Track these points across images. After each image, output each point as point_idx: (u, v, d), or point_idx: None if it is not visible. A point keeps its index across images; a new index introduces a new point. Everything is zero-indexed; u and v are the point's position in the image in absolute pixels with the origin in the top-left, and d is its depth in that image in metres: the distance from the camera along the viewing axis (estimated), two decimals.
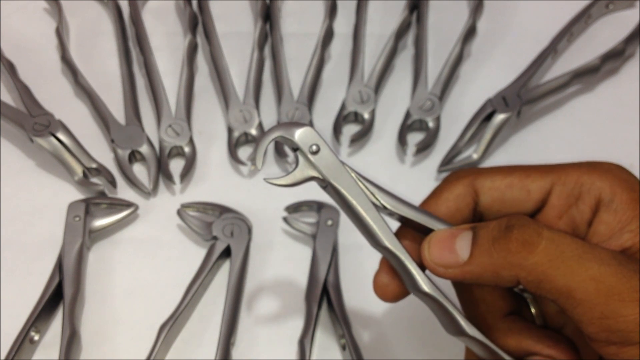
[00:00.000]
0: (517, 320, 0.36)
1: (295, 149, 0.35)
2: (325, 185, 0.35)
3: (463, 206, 0.36)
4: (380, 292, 0.37)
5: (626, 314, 0.30)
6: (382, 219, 0.35)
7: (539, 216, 0.36)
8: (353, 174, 0.35)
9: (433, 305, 0.35)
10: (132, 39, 0.68)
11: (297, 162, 0.35)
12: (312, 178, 0.35)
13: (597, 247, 0.32)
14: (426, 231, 0.36)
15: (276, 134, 0.35)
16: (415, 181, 0.60)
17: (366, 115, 0.62)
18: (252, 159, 0.36)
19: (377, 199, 0.36)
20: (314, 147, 0.35)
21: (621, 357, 0.31)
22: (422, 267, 0.35)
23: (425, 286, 0.34)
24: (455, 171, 0.38)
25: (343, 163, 0.35)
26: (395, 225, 0.37)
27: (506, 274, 0.32)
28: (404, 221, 0.37)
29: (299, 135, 0.35)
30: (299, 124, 0.35)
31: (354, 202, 0.35)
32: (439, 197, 0.37)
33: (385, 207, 0.36)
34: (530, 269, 0.31)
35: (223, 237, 0.55)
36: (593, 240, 0.35)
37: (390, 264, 0.36)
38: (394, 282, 0.36)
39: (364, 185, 0.35)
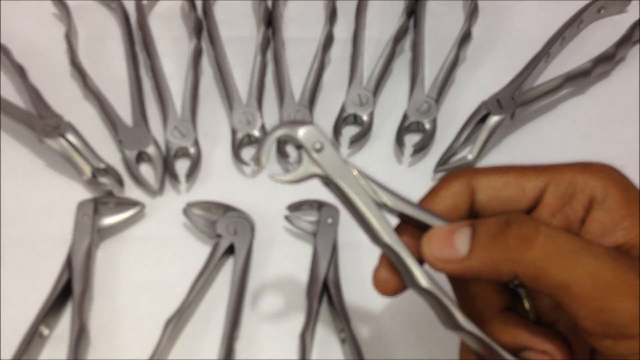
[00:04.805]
0: (512, 315, 0.36)
1: (299, 146, 0.35)
2: (328, 182, 0.35)
3: (460, 204, 0.36)
4: (379, 286, 0.37)
5: (622, 308, 0.30)
6: (382, 216, 0.35)
7: (534, 214, 0.36)
8: (355, 172, 0.35)
9: (431, 301, 0.35)
10: (139, 43, 0.68)
11: (300, 160, 0.35)
12: (315, 175, 0.35)
13: (593, 243, 0.32)
14: (425, 228, 0.35)
15: (280, 132, 0.35)
16: (412, 181, 0.60)
17: (365, 117, 0.62)
18: (257, 157, 0.36)
19: (378, 196, 0.36)
20: (318, 145, 0.35)
21: (617, 350, 0.31)
22: (421, 263, 0.35)
23: (423, 281, 0.34)
24: (453, 170, 0.37)
25: (346, 161, 0.35)
26: (395, 222, 0.37)
27: (504, 268, 0.32)
28: (404, 218, 0.36)
29: (303, 133, 0.35)
30: (303, 123, 0.35)
31: (355, 199, 0.35)
32: (437, 195, 0.37)
33: (385, 205, 0.36)
34: (529, 264, 0.32)
35: (227, 235, 0.55)
36: (586, 238, 0.34)
37: (389, 260, 0.36)
38: (393, 278, 0.36)
39: (366, 182, 0.35)
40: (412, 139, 0.62)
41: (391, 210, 0.36)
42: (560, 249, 0.31)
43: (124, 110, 0.63)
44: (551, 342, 0.34)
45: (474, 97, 0.63)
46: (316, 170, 0.35)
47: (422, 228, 0.36)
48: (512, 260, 0.32)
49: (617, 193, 0.34)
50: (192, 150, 0.61)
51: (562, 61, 0.67)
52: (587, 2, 0.69)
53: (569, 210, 0.35)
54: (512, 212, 0.35)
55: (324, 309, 0.53)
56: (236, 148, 0.61)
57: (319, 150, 0.35)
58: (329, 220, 0.56)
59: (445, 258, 0.34)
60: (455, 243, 0.34)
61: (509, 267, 0.32)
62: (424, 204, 0.37)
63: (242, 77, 0.65)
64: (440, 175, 0.60)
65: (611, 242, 0.34)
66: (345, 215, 0.53)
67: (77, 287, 0.52)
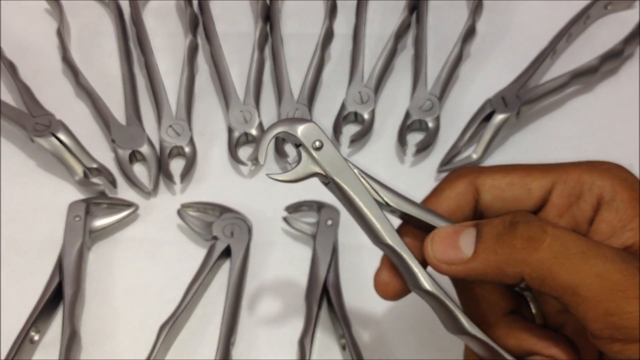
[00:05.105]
0: (518, 319, 0.36)
1: (298, 145, 0.35)
2: (328, 181, 0.35)
3: (464, 204, 0.36)
4: (381, 290, 0.37)
5: (631, 311, 0.30)
6: (384, 216, 0.35)
7: (540, 214, 0.36)
8: (356, 171, 0.35)
9: (434, 304, 0.35)
10: (132, 39, 0.68)
11: (299, 158, 0.35)
12: (314, 174, 0.35)
13: (601, 244, 0.32)
14: (428, 229, 0.35)
15: (279, 130, 0.34)
16: (415, 181, 0.60)
17: (366, 116, 0.62)
18: (254, 156, 0.35)
19: (379, 195, 0.35)
20: (317, 143, 0.34)
21: (625, 354, 0.30)
22: (424, 264, 0.35)
23: (427, 284, 0.34)
24: (457, 169, 0.38)
25: (346, 159, 0.35)
26: (397, 222, 0.36)
27: (510, 270, 0.32)
28: (406, 218, 0.36)
29: (302, 130, 0.34)
30: (301, 120, 0.35)
31: (356, 199, 0.35)
32: (440, 194, 0.37)
33: (387, 204, 0.35)
34: (535, 266, 0.31)
35: (223, 237, 0.55)
36: (594, 239, 0.34)
37: (391, 262, 0.36)
38: (395, 280, 0.36)
39: (367, 182, 0.35)
40: (414, 138, 0.62)
41: (393, 211, 0.36)
42: (567, 250, 0.31)
43: (118, 109, 0.62)
44: (558, 347, 0.34)
45: (478, 94, 0.62)
46: (316, 169, 0.35)
47: (425, 229, 0.36)
48: (518, 261, 0.32)
49: (625, 193, 0.34)
50: (187, 149, 0.60)
51: (568, 58, 0.67)
52: None
53: (576, 210, 0.35)
54: (518, 211, 0.34)
55: (324, 313, 0.53)
56: (233, 147, 0.61)
57: (318, 149, 0.35)
58: (329, 222, 0.55)
59: (449, 260, 0.34)
60: (459, 244, 0.34)
61: (515, 269, 0.32)
62: (427, 204, 0.37)
63: (239, 74, 0.65)
64: (443, 175, 0.59)
65: (620, 243, 0.34)
66: (345, 216, 0.54)
67: (68, 291, 0.52)
